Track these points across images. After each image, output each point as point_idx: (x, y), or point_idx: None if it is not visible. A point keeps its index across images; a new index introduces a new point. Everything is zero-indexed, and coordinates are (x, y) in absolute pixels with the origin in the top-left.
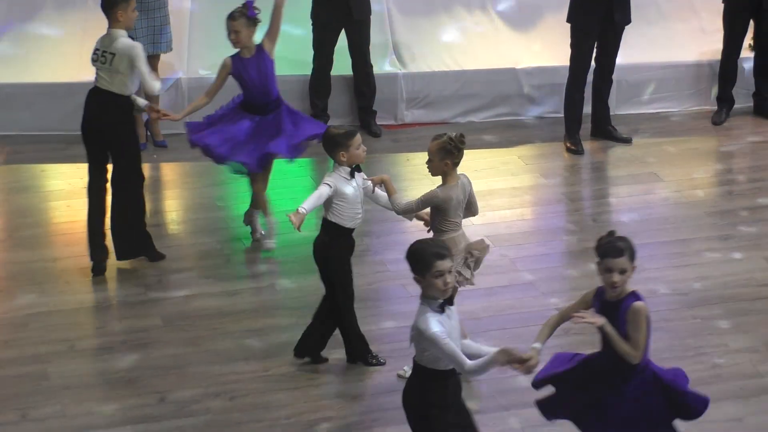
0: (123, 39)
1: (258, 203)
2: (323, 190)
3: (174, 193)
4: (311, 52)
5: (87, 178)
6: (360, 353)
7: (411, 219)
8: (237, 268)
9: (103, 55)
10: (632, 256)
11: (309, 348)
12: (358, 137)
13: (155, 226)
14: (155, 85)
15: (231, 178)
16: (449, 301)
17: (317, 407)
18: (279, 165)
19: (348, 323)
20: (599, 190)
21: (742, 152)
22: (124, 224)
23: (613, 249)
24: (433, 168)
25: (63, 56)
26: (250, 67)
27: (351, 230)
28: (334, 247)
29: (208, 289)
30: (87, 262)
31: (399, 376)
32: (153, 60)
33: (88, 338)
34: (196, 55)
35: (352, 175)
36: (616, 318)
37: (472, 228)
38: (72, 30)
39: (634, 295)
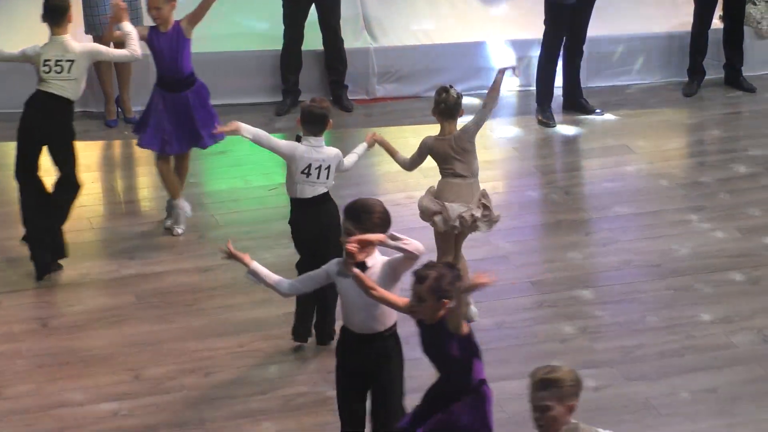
0: (75, 44)
1: (168, 184)
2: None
3: (146, 170)
4: (282, 27)
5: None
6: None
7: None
8: (210, 245)
9: (58, 64)
10: None
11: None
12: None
13: (127, 203)
14: (129, 53)
15: (203, 154)
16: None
17: (292, 382)
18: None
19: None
20: (571, 162)
21: (713, 123)
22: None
23: None
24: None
25: (32, 34)
26: (163, 41)
27: (299, 200)
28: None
29: (181, 265)
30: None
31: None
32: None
33: (61, 316)
34: None
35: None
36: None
37: None
38: (40, 7)
39: None
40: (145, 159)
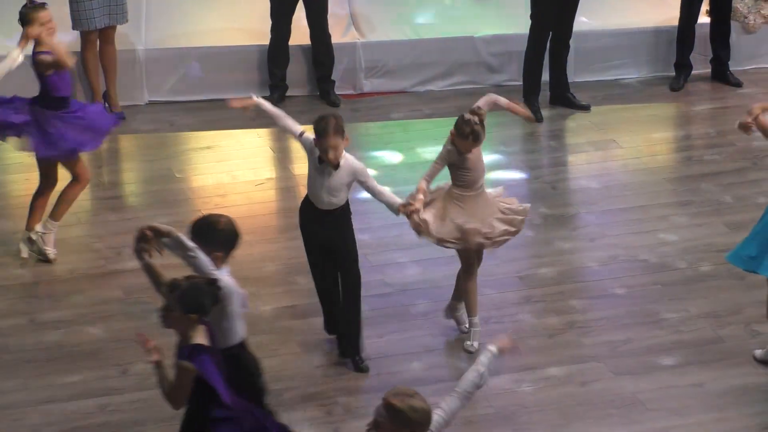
0: None
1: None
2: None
3: (132, 165)
4: (269, 22)
5: None
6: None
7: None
8: None
9: None
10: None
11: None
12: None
13: (114, 198)
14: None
15: (189, 149)
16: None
17: (280, 377)
18: (237, 136)
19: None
20: (558, 157)
21: (700, 118)
22: None
23: None
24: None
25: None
26: None
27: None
28: (300, 211)
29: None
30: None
31: (465, 350)
32: (110, 31)
33: (49, 311)
34: (153, 26)
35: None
36: None
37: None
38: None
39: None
40: (131, 154)
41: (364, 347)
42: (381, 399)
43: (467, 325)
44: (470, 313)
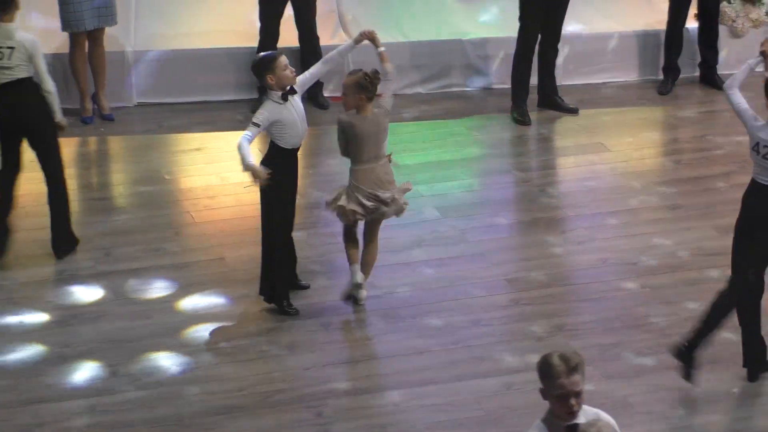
0: (22, 33)
1: None
2: (246, 139)
3: (121, 167)
4: (258, 24)
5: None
6: (276, 295)
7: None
8: (186, 241)
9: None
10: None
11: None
12: (284, 58)
13: (103, 199)
14: (51, 83)
15: (178, 151)
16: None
17: (270, 379)
18: (226, 138)
19: (269, 254)
20: (547, 160)
21: (688, 121)
22: (66, 219)
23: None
24: (347, 103)
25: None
26: None
27: (293, 150)
28: (275, 164)
29: (157, 261)
30: (34, 236)
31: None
32: (99, 33)
33: (39, 312)
34: (142, 28)
35: (284, 98)
36: None
37: (421, 199)
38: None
39: None
40: (120, 156)
41: None
42: (562, 374)
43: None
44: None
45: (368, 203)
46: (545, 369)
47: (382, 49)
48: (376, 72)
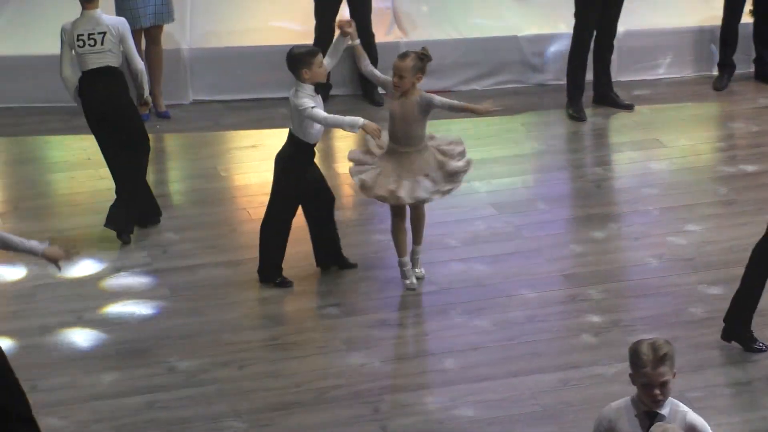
0: (108, 16)
1: None
2: (320, 112)
3: (177, 164)
4: (313, 21)
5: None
6: (270, 270)
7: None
8: (242, 238)
9: (90, 38)
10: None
11: (327, 256)
12: (320, 56)
13: (159, 196)
14: (141, 62)
15: (234, 148)
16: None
17: (326, 375)
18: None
19: (268, 233)
20: (602, 156)
21: (744, 117)
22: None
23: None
24: (405, 84)
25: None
26: None
27: (313, 145)
28: (297, 160)
29: (213, 258)
30: (91, 233)
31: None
32: (156, 30)
33: (96, 309)
34: (198, 26)
35: (316, 92)
36: None
37: (476, 196)
38: (71, 2)
39: None
40: (176, 153)
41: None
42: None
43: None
44: (400, 254)
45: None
46: (634, 357)
47: (357, 42)
48: (424, 48)
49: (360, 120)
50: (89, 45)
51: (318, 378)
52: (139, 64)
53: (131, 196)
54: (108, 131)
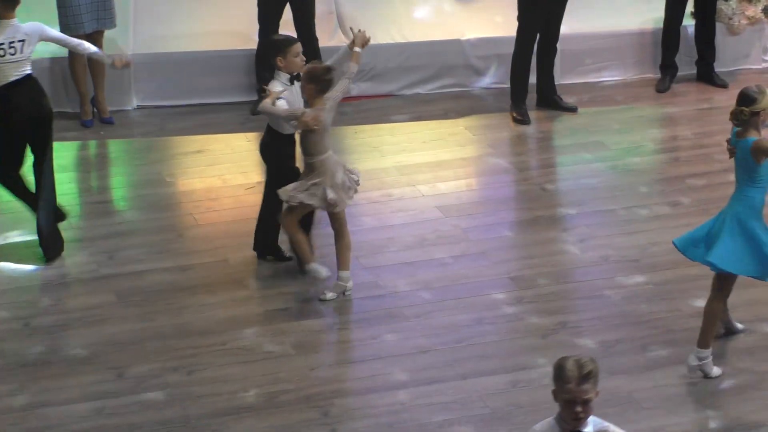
0: (25, 24)
1: None
2: (268, 103)
3: (122, 170)
4: (257, 26)
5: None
6: (270, 246)
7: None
8: (189, 243)
9: (11, 46)
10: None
11: (265, 246)
12: (298, 46)
13: (104, 202)
14: (83, 45)
15: (179, 154)
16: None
17: (276, 379)
18: (227, 140)
19: (264, 214)
20: (546, 159)
21: (686, 119)
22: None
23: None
24: (303, 91)
25: None
26: None
27: (291, 137)
28: (273, 148)
29: (161, 264)
30: (35, 240)
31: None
32: (97, 36)
33: (43, 316)
34: (140, 31)
35: (291, 82)
36: None
37: (422, 199)
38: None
39: None
40: (120, 159)
41: None
42: (573, 381)
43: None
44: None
45: (332, 195)
46: (558, 372)
47: (358, 49)
48: (328, 68)
49: (287, 110)
50: (9, 54)
51: (267, 382)
52: (79, 44)
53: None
54: (31, 140)
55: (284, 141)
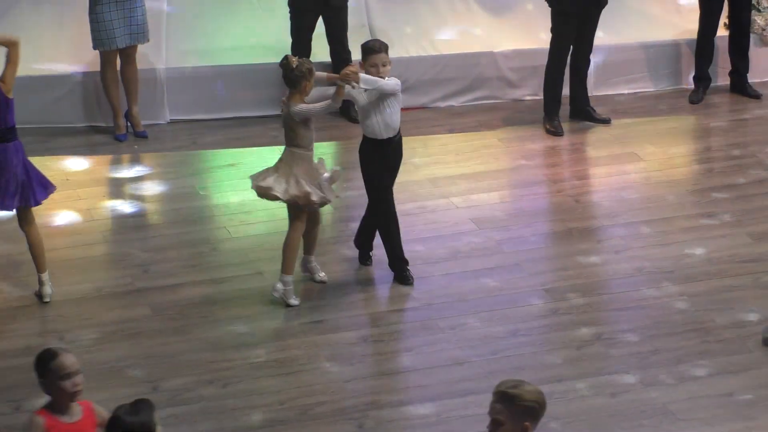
0: None
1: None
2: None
3: (156, 184)
4: (289, 40)
5: None
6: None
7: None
8: (223, 256)
9: None
10: None
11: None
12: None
13: (138, 216)
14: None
15: (212, 167)
16: None
17: (311, 392)
18: (260, 153)
19: (381, 229)
20: (580, 170)
21: (720, 130)
22: None
23: None
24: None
25: (39, 49)
26: None
27: (374, 139)
28: (363, 153)
29: (195, 277)
30: (71, 254)
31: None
32: (131, 50)
33: (78, 329)
34: (173, 45)
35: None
36: None
37: (456, 211)
38: (47, 23)
39: None
40: (155, 172)
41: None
42: (492, 395)
43: (321, 274)
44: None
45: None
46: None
47: (341, 84)
48: (303, 62)
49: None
50: None
51: (302, 395)
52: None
53: None
54: None
55: (372, 144)
